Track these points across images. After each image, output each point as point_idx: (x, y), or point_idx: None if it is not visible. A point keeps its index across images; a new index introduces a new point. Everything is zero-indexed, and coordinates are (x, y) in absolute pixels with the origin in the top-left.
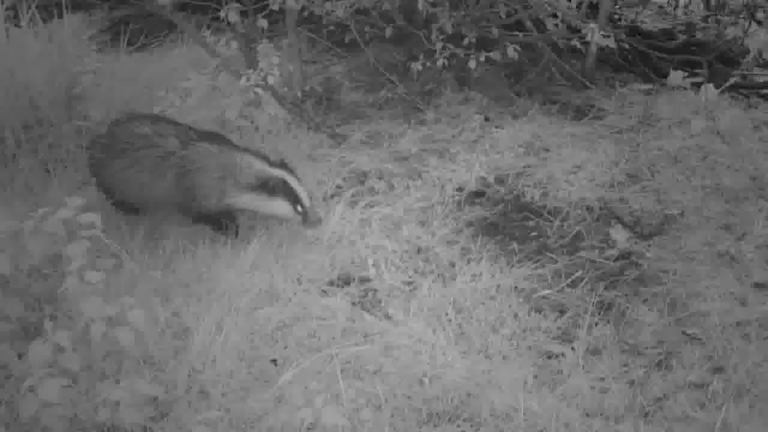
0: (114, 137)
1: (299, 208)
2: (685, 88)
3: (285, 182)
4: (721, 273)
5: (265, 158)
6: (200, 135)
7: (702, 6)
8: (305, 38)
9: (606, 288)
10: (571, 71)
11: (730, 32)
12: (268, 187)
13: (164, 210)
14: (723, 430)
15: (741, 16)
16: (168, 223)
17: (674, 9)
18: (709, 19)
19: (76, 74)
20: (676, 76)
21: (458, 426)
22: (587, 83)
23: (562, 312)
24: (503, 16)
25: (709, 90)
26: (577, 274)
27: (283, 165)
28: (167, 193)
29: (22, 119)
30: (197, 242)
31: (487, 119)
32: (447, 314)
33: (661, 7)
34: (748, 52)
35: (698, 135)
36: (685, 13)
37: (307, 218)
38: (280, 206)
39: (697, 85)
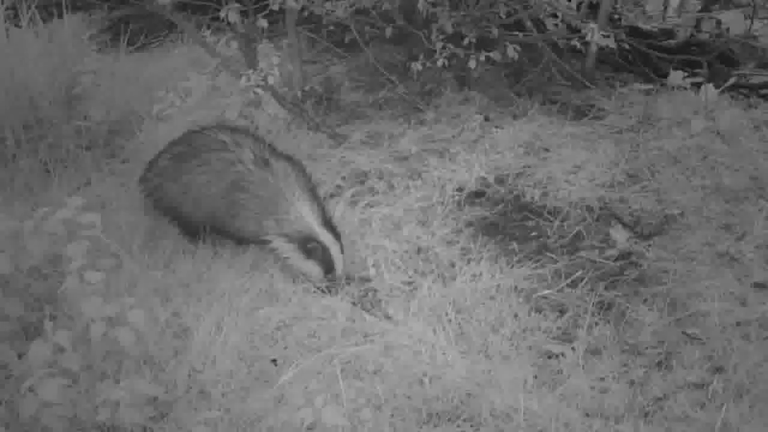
0: (190, 143)
1: (329, 276)
2: (685, 88)
3: (326, 251)
4: (721, 273)
5: (319, 212)
6: (276, 159)
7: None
8: (305, 38)
9: (606, 288)
10: (571, 71)
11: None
12: (307, 248)
13: (210, 222)
14: (723, 430)
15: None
16: (168, 223)
17: (664, 10)
18: (705, 21)
19: (76, 74)
20: (676, 76)
21: (458, 426)
22: (587, 83)
23: (562, 312)
24: (503, 16)
25: (709, 90)
26: (577, 274)
27: (331, 227)
28: (216, 198)
29: (22, 119)
30: (197, 242)
31: (487, 119)
32: (447, 314)
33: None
34: (747, 52)
35: (698, 135)
36: (679, 15)
37: (333, 281)
38: (312, 269)
39: (697, 85)
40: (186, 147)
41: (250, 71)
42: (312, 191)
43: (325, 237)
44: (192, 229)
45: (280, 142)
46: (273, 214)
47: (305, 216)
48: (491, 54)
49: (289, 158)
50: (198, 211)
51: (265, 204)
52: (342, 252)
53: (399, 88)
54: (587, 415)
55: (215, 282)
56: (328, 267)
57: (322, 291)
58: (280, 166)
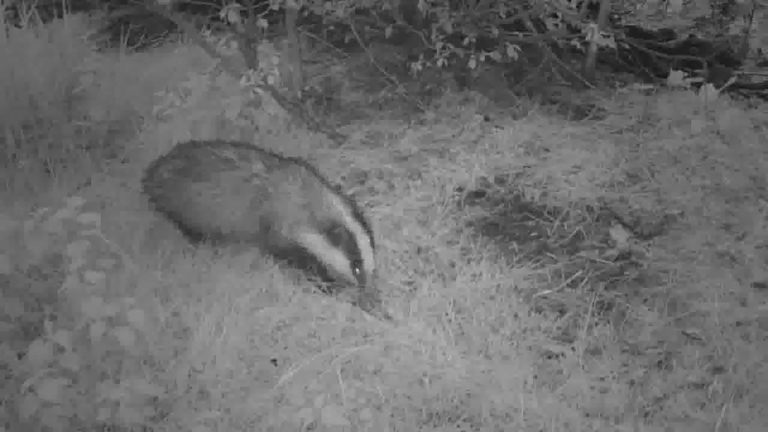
0: (191, 160)
1: (357, 271)
2: (685, 88)
3: (351, 236)
4: (721, 273)
5: (349, 204)
6: (284, 161)
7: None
8: (305, 38)
9: (606, 288)
10: (571, 71)
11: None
12: (333, 233)
13: (234, 239)
14: (723, 430)
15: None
16: (168, 223)
17: (665, 8)
18: (707, 21)
19: (76, 74)
20: (676, 76)
21: (458, 426)
22: (587, 83)
23: (562, 312)
24: (503, 16)
25: (709, 90)
26: (577, 274)
27: (361, 219)
28: (242, 219)
29: (22, 119)
30: (197, 243)
31: (487, 119)
32: (447, 314)
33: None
34: (748, 50)
35: (698, 135)
36: (680, 14)
37: (363, 286)
38: (338, 259)
39: (697, 85)
40: (186, 162)
41: (250, 71)
42: (333, 188)
43: (353, 225)
44: (196, 236)
45: (280, 142)
46: (307, 206)
47: (336, 204)
48: (491, 54)
49: (302, 161)
50: (216, 229)
51: (297, 197)
52: (372, 246)
53: (399, 88)
54: (587, 415)
55: (215, 282)
56: (355, 258)
57: (323, 291)
58: (295, 167)
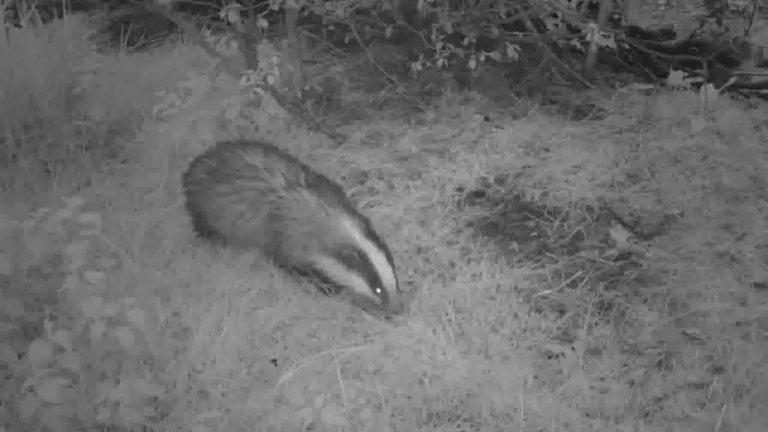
0: (223, 161)
1: (378, 290)
2: (685, 88)
3: (363, 257)
4: (721, 273)
5: (362, 225)
6: (310, 181)
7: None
8: (305, 38)
9: (606, 288)
10: (571, 71)
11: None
12: (344, 257)
13: (253, 246)
14: (723, 430)
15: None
16: (168, 223)
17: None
18: (706, 21)
19: (76, 74)
20: (676, 76)
21: (458, 426)
22: (587, 83)
23: (562, 312)
24: (503, 16)
25: (709, 90)
26: (577, 274)
27: (374, 237)
28: (257, 231)
29: (22, 119)
30: (197, 242)
31: (487, 119)
32: (447, 314)
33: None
34: (749, 51)
35: (698, 135)
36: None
37: (386, 303)
38: (357, 282)
39: (697, 85)
40: (219, 164)
41: (250, 71)
42: (351, 207)
43: (365, 245)
44: (223, 242)
45: (280, 142)
46: (315, 234)
47: (347, 228)
48: (491, 54)
49: (323, 177)
50: (236, 236)
51: (306, 225)
52: (389, 264)
53: (399, 88)
54: (587, 415)
55: (215, 282)
56: (372, 278)
57: (324, 291)
58: (314, 185)
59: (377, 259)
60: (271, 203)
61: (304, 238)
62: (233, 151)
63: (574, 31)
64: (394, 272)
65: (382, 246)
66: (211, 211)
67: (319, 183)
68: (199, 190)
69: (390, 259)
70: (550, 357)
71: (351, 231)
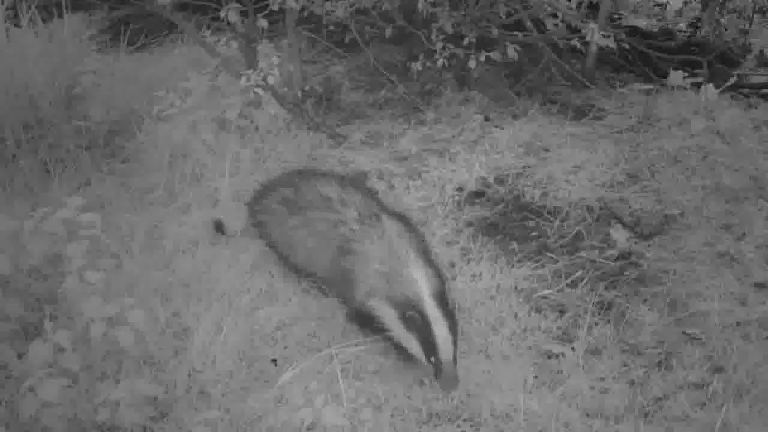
0: (297, 191)
1: (432, 359)
2: (685, 88)
3: (426, 322)
4: (721, 273)
5: (434, 282)
6: (387, 215)
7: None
8: (305, 38)
9: (606, 288)
10: (571, 71)
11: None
12: (405, 317)
13: (328, 283)
14: (723, 430)
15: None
16: (168, 223)
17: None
18: (704, 21)
19: (76, 74)
20: (676, 76)
21: (458, 426)
22: (587, 83)
23: (562, 312)
24: (503, 16)
25: (709, 90)
26: (577, 274)
27: (443, 300)
28: (327, 265)
29: (22, 119)
30: (197, 242)
31: (487, 119)
32: None
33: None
34: (749, 51)
35: (698, 135)
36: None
37: (440, 373)
38: (412, 344)
39: (697, 85)
40: (293, 193)
41: (250, 71)
42: (426, 256)
43: (432, 310)
44: (296, 271)
45: (280, 142)
46: (382, 274)
47: (417, 281)
48: (491, 54)
49: (401, 217)
50: (311, 272)
51: (374, 264)
52: (453, 337)
53: (399, 88)
54: (587, 415)
55: (215, 282)
56: (429, 347)
57: (324, 292)
58: (390, 224)
59: (439, 329)
60: (341, 236)
61: (373, 279)
62: (307, 180)
63: (574, 31)
64: (455, 346)
65: (448, 314)
66: (283, 244)
67: (395, 222)
68: (271, 220)
69: (454, 330)
70: (550, 357)
71: (421, 286)
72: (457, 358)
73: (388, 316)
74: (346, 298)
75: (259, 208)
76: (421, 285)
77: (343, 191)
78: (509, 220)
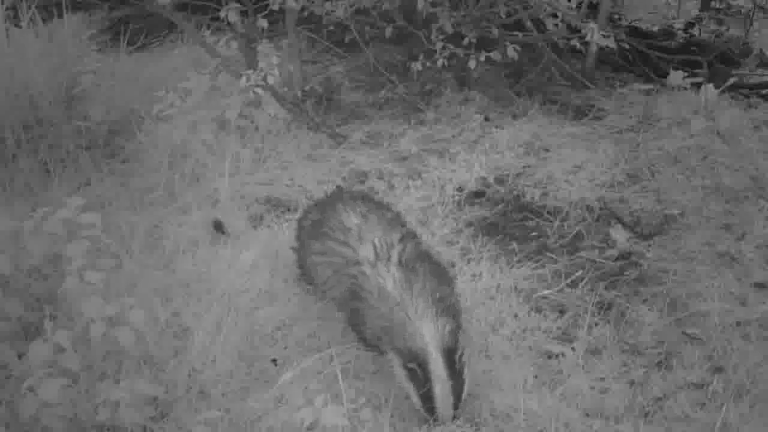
0: (324, 216)
1: (430, 414)
2: (685, 88)
3: (427, 379)
4: (721, 273)
5: (445, 336)
6: (404, 259)
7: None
8: (305, 38)
9: (606, 288)
10: (571, 71)
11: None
12: (408, 367)
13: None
14: (723, 430)
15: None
16: (168, 223)
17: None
18: (704, 21)
19: (76, 74)
20: (676, 76)
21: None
22: (587, 83)
23: (562, 312)
24: (503, 16)
25: (709, 90)
26: (577, 274)
27: (451, 357)
28: (339, 298)
29: (22, 119)
30: (197, 242)
31: (487, 119)
32: None
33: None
34: (749, 51)
35: (698, 135)
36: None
37: (435, 418)
38: (412, 394)
39: (697, 85)
40: (321, 216)
41: (250, 71)
42: (441, 305)
43: (436, 365)
44: (317, 293)
45: (280, 142)
46: (389, 329)
47: (425, 337)
48: (491, 54)
49: (424, 254)
50: (327, 294)
51: (381, 317)
52: (455, 396)
53: (399, 88)
54: (587, 415)
55: (215, 282)
56: (428, 403)
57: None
58: (407, 266)
59: (440, 387)
60: (353, 277)
61: (378, 327)
62: (336, 204)
63: (574, 31)
64: (456, 407)
65: (455, 373)
66: (309, 266)
67: (414, 263)
68: (302, 240)
69: (458, 391)
70: (550, 357)
71: (428, 342)
72: (457, 414)
73: (394, 363)
74: (356, 332)
75: (299, 224)
76: (430, 340)
77: (365, 222)
78: (509, 220)
